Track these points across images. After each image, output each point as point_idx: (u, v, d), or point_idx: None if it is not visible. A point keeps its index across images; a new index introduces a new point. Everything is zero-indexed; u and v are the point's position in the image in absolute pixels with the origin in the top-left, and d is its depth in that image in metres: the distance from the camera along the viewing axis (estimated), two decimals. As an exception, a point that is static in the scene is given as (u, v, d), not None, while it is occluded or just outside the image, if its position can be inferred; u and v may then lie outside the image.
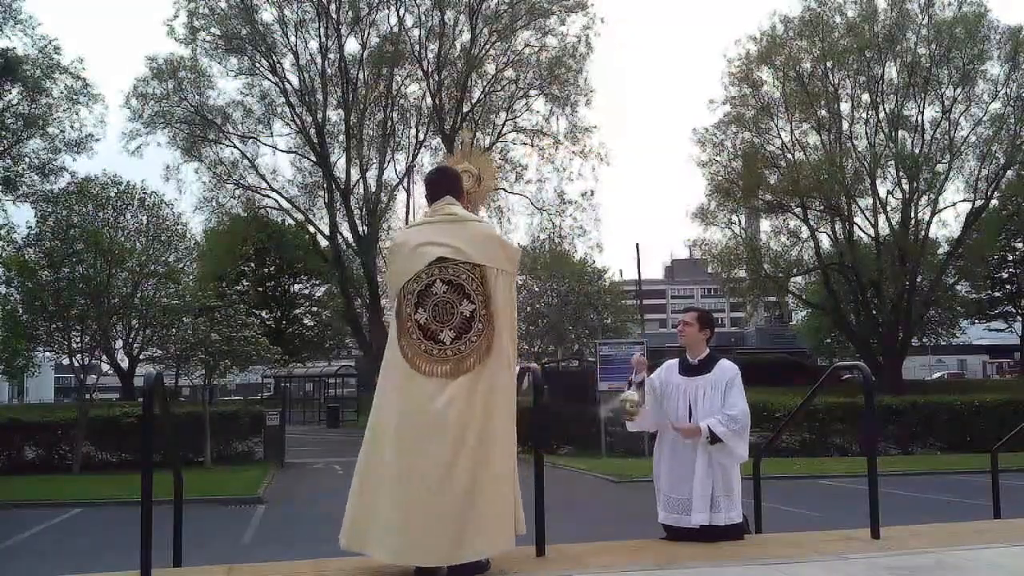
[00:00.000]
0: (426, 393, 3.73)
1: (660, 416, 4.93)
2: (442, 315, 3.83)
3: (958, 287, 38.84)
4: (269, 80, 34.52)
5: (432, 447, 3.63)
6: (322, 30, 34.14)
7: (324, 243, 36.70)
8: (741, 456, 4.77)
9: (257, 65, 34.23)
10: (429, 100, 34.86)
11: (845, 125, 34.24)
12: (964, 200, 34.81)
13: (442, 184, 4.15)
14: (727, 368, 4.89)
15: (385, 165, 35.27)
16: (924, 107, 33.62)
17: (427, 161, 36.84)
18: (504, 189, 35.88)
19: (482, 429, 3.66)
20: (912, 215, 33.68)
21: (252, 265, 44.67)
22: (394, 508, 3.64)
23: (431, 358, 3.79)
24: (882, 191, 34.31)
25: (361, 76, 34.61)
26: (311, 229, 36.86)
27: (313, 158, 35.14)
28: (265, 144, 35.52)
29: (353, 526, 3.82)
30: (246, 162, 35.27)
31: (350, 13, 34.00)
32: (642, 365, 4.94)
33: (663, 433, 4.95)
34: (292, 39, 34.14)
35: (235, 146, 35.09)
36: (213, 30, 33.51)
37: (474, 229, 3.99)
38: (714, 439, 4.64)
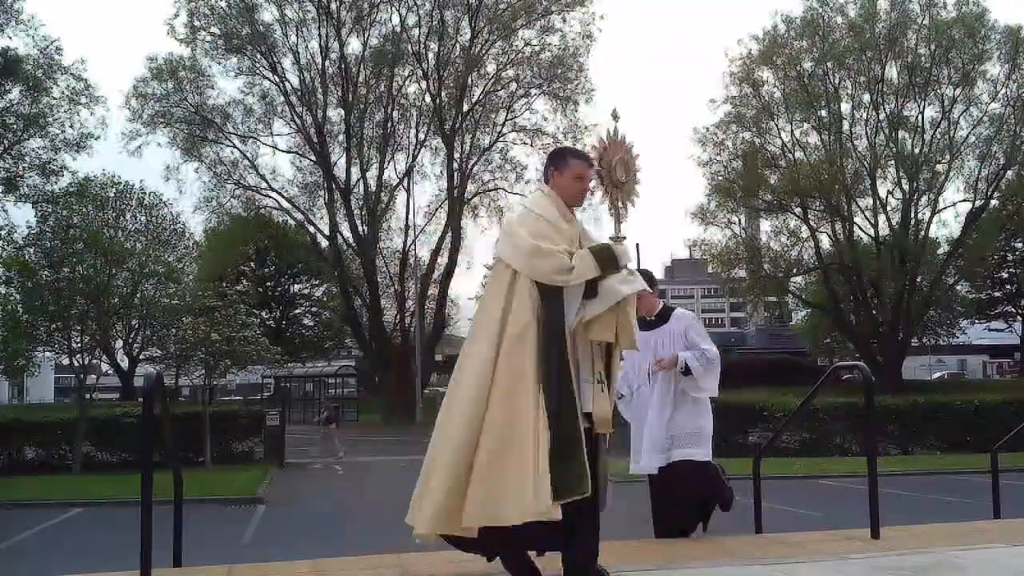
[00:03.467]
0: None
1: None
2: None
3: (958, 287, 38.86)
4: (269, 80, 34.56)
5: None
6: (322, 30, 34.16)
7: (324, 243, 36.73)
8: (711, 390, 5.06)
9: (257, 65, 34.25)
10: (429, 100, 34.88)
11: (845, 125, 34.28)
12: (964, 200, 34.90)
13: None
14: (683, 316, 5.22)
15: (385, 165, 35.32)
16: (924, 107, 33.69)
17: (427, 161, 36.88)
18: (504, 189, 35.92)
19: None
20: (912, 215, 33.71)
21: (252, 265, 44.70)
22: None
23: None
24: (882, 191, 34.38)
25: (361, 76, 34.62)
26: (311, 229, 36.90)
27: (313, 158, 35.15)
28: (265, 144, 35.57)
29: None
30: (246, 162, 35.32)
31: (352, 13, 34.02)
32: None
33: (637, 396, 5.22)
34: (292, 39, 34.19)
35: (235, 146, 35.12)
36: (213, 29, 33.52)
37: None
38: (687, 371, 4.93)
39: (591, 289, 3.24)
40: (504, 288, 3.29)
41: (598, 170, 3.50)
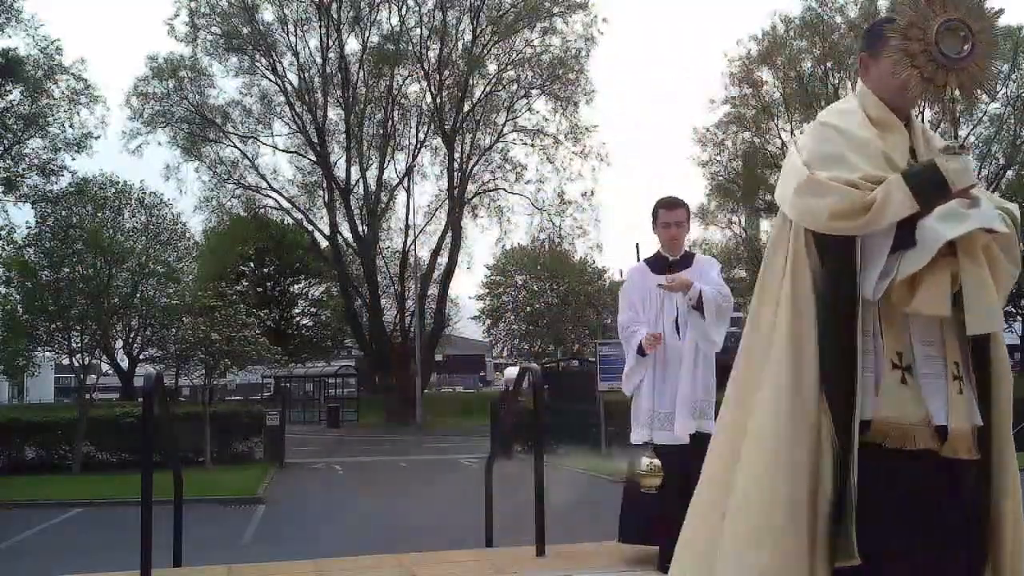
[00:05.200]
0: None
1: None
2: None
3: (958, 287, 38.89)
4: (269, 79, 34.56)
5: None
6: (323, 29, 34.17)
7: (324, 243, 36.75)
8: (716, 343, 4.23)
9: (257, 64, 34.27)
10: (429, 99, 34.91)
11: (845, 125, 34.28)
12: (964, 200, 34.88)
13: None
14: (706, 258, 4.54)
15: (385, 165, 35.32)
16: (924, 107, 33.67)
17: (427, 161, 36.87)
18: (504, 189, 35.92)
19: None
20: (912, 215, 33.73)
21: (252, 265, 44.66)
22: None
23: None
24: (882, 191, 34.37)
25: (361, 75, 34.64)
26: (311, 229, 36.92)
27: (313, 158, 35.17)
28: (265, 144, 35.57)
29: None
30: (246, 162, 35.34)
31: (351, 12, 34.03)
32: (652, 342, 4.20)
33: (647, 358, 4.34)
34: (292, 38, 34.20)
35: (235, 146, 35.14)
36: (214, 29, 33.56)
37: None
38: (699, 304, 4.15)
39: (908, 234, 2.00)
40: (778, 245, 2.21)
41: (907, 46, 2.14)
